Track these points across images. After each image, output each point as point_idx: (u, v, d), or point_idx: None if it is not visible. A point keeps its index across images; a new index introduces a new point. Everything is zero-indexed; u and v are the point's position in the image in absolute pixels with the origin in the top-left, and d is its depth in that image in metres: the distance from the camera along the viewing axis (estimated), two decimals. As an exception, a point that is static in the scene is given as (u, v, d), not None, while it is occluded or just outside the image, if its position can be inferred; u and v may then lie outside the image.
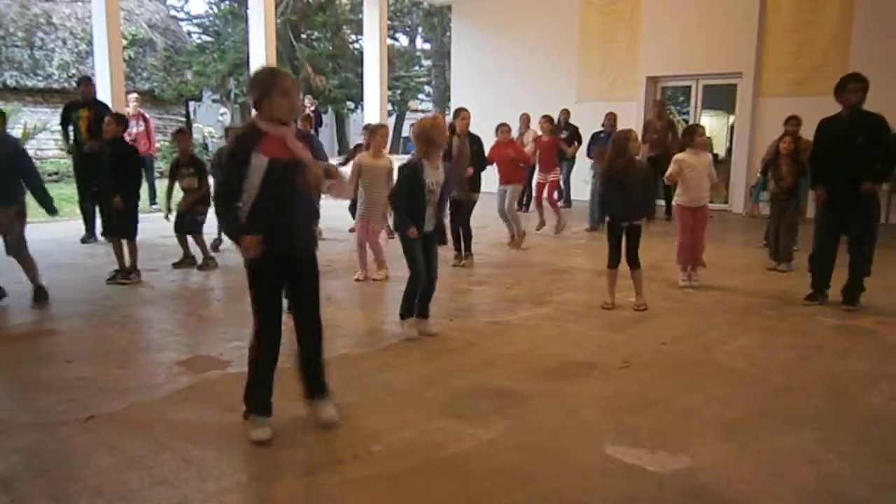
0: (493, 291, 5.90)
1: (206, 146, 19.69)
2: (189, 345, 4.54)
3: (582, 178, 11.04)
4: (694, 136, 6.23)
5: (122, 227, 6.19)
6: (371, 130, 6.53)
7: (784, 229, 7.06)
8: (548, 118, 9.65)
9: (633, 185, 5.34)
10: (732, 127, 12.54)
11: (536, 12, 13.97)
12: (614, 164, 5.39)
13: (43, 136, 15.39)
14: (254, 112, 3.09)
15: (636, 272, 5.49)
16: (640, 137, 5.89)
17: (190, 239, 7.01)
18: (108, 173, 6.12)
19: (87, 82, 8.77)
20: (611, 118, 10.36)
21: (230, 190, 3.04)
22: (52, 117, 16.13)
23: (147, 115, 11.36)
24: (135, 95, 11.46)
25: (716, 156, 10.47)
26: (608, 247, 5.52)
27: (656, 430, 3.28)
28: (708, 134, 11.81)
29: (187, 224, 6.94)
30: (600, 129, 10.48)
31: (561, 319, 5.13)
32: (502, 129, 8.22)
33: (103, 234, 7.37)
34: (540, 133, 9.69)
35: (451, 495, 2.70)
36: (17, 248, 5.39)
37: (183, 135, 7.29)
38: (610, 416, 3.46)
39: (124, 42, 14.94)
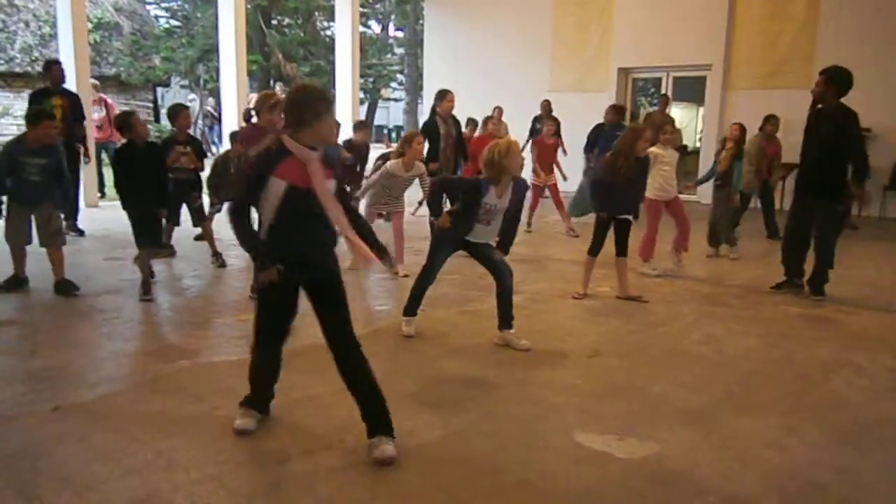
0: (465, 281, 5.91)
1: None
2: (157, 335, 4.49)
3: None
4: (657, 134, 6.17)
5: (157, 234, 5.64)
6: (405, 139, 6.22)
7: (728, 215, 7.34)
8: (554, 119, 9.44)
9: (631, 182, 5.32)
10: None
11: (510, 1, 13.96)
12: (618, 161, 5.28)
13: (5, 121, 14.98)
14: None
15: (622, 260, 5.48)
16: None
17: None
18: (149, 178, 5.36)
19: (56, 65, 7.86)
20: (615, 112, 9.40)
21: (243, 206, 2.87)
22: (14, 102, 15.69)
23: (109, 100, 10.91)
24: (91, 81, 11.01)
25: (685, 147, 10.56)
26: (593, 235, 5.49)
27: (625, 418, 3.33)
28: (677, 125, 11.87)
29: (182, 215, 6.42)
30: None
31: (532, 308, 5.17)
32: (492, 120, 8.13)
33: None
34: (542, 134, 9.18)
35: (421, 484, 2.71)
36: (54, 240, 5.37)
37: (184, 110, 6.61)
38: (579, 404, 3.50)
39: (90, 25, 14.54)
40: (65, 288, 5.33)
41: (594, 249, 5.49)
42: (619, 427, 3.21)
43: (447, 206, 5.07)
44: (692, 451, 3.01)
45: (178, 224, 6.61)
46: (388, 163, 6.27)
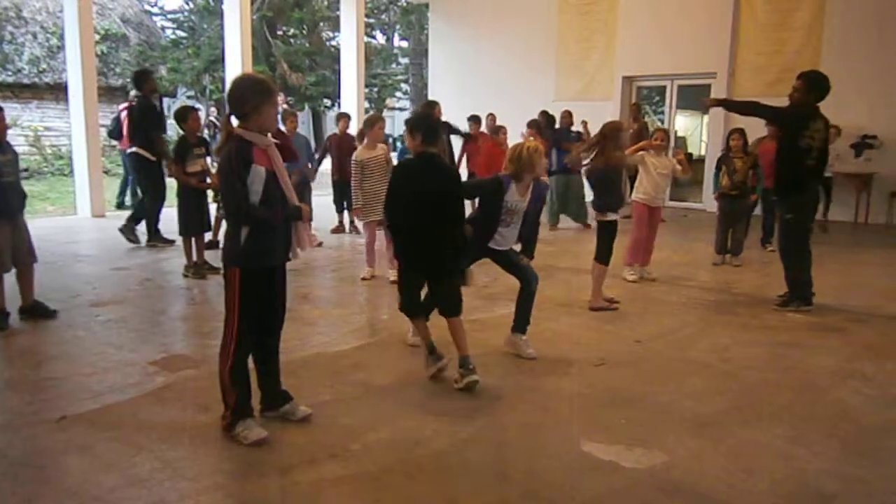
0: (469, 290, 5.85)
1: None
2: (163, 344, 4.49)
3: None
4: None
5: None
6: (367, 122, 6.36)
7: (742, 223, 7.35)
8: (535, 123, 9.68)
9: (605, 181, 5.31)
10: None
11: (514, 11, 14.02)
12: (612, 156, 5.26)
13: (12, 132, 15.06)
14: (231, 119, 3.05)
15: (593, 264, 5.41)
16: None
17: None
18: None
19: (154, 75, 7.89)
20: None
21: (247, 203, 2.94)
22: (21, 112, 15.82)
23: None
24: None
25: (689, 155, 10.57)
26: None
27: (632, 427, 3.31)
28: (682, 133, 11.91)
29: (199, 224, 6.35)
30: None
31: (537, 317, 5.13)
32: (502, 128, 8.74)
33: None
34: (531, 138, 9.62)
35: (428, 493, 2.70)
36: (31, 256, 4.88)
37: (193, 112, 6.47)
38: (586, 413, 3.49)
39: (97, 37, 14.67)
40: (39, 310, 4.92)
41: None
42: (626, 436, 3.20)
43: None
44: (700, 460, 3.00)
45: (207, 229, 6.56)
46: (355, 152, 6.37)
